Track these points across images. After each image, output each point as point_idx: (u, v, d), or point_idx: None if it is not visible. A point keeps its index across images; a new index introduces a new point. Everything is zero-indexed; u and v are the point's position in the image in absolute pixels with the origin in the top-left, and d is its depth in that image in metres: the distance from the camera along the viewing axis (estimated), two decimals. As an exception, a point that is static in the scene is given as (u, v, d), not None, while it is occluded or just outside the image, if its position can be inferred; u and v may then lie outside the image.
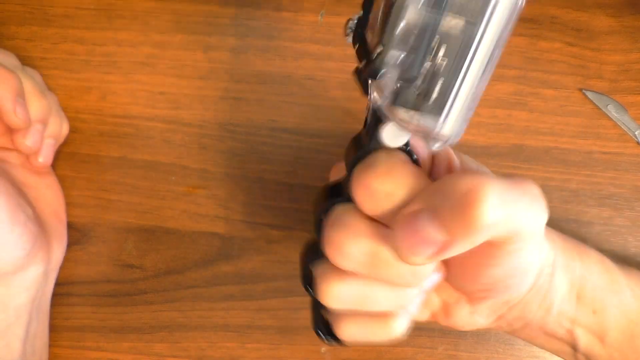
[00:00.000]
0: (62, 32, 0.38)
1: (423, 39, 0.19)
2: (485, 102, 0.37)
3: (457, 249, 0.21)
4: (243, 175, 0.38)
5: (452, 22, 0.18)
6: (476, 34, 0.18)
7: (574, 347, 0.29)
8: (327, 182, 0.28)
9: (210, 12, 0.37)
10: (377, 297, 0.24)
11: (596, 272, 0.30)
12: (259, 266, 0.37)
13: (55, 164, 0.37)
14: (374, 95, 0.22)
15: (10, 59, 0.33)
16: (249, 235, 0.37)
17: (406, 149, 0.24)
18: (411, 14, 0.18)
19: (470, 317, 0.29)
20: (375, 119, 0.23)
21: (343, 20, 0.38)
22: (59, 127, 0.34)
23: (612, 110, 0.37)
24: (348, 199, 0.24)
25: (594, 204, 0.37)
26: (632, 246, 0.37)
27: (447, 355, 0.37)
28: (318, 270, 0.25)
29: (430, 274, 0.24)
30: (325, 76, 0.37)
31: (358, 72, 0.23)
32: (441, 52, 0.19)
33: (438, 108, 0.20)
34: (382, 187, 0.22)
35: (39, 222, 0.33)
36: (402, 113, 0.20)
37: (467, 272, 0.26)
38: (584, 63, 0.37)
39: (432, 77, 0.19)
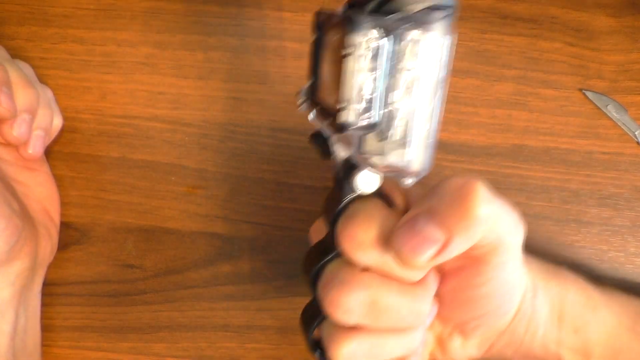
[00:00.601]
0: (61, 32, 0.38)
1: (376, 90, 0.21)
2: (485, 102, 0.37)
3: (457, 246, 0.22)
4: (243, 175, 0.38)
5: (397, 72, 0.21)
6: (421, 75, 0.21)
7: None
8: (312, 244, 0.29)
9: (210, 12, 0.37)
10: (386, 345, 0.25)
11: (572, 291, 0.30)
12: (259, 266, 0.37)
13: (54, 164, 0.37)
14: (341, 149, 0.24)
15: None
16: (249, 235, 0.37)
17: (380, 194, 0.25)
18: (362, 72, 0.21)
19: (463, 350, 0.29)
20: (345, 172, 0.25)
21: (343, 20, 0.38)
22: (49, 119, 0.34)
23: (612, 111, 0.37)
24: (335, 255, 0.25)
25: (594, 204, 0.37)
26: (632, 246, 0.37)
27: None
28: (324, 331, 0.26)
29: (427, 310, 0.25)
30: (325, 76, 0.37)
31: (315, 136, 0.26)
32: (394, 98, 0.21)
33: (403, 147, 0.22)
34: (367, 234, 0.23)
35: (25, 218, 0.33)
36: (372, 158, 0.22)
37: (459, 299, 0.27)
38: (584, 63, 0.37)
39: (391, 121, 0.22)
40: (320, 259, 0.26)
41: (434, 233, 0.22)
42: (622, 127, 0.37)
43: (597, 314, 0.30)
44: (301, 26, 0.37)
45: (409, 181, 0.23)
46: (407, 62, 0.21)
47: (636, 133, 0.37)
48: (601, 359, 0.30)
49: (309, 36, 0.38)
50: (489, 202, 0.22)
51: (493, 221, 0.23)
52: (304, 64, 0.37)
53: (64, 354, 0.37)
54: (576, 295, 0.30)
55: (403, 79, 0.21)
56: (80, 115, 0.38)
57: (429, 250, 0.22)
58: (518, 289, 0.27)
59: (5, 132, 0.31)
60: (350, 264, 0.24)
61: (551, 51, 0.37)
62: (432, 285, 0.25)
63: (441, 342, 0.29)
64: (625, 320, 0.30)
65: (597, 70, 0.37)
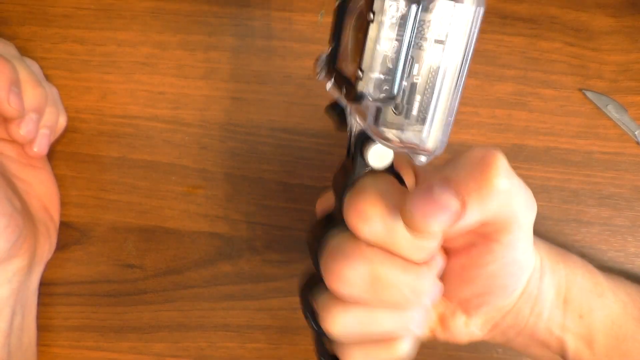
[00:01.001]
0: (62, 32, 0.38)
1: (398, 61, 0.20)
2: (485, 102, 0.37)
3: (470, 217, 0.21)
4: (243, 175, 0.38)
5: (422, 44, 0.20)
6: (445, 52, 0.20)
7: (564, 356, 0.30)
8: (319, 215, 0.28)
9: (210, 12, 0.38)
10: (381, 321, 0.25)
11: (580, 275, 0.30)
12: (259, 266, 0.37)
13: (54, 164, 0.37)
14: (356, 120, 0.23)
15: (8, 48, 0.33)
16: (249, 235, 0.37)
17: (391, 171, 0.25)
18: (385, 40, 0.20)
19: (466, 328, 0.29)
20: (358, 145, 0.24)
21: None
22: (55, 118, 0.34)
23: (612, 110, 0.37)
24: (342, 227, 0.25)
25: (594, 204, 0.37)
26: (632, 246, 0.37)
27: (447, 355, 0.37)
28: (320, 301, 0.26)
29: (429, 290, 0.25)
30: (325, 76, 0.37)
31: (332, 106, 0.25)
32: (415, 72, 0.20)
33: (420, 124, 0.21)
34: (375, 210, 0.23)
35: (26, 215, 0.33)
36: (387, 132, 0.21)
37: (465, 276, 0.27)
38: (584, 63, 0.37)
39: (410, 95, 0.21)
40: (325, 231, 0.25)
41: (449, 200, 0.21)
42: (622, 127, 0.37)
43: (603, 301, 0.30)
44: (302, 26, 0.37)
45: (422, 159, 0.22)
46: (434, 34, 0.20)
47: (636, 133, 0.37)
48: (604, 346, 0.29)
49: (310, 36, 0.38)
50: (508, 176, 0.22)
51: (509, 196, 0.22)
52: (304, 63, 0.38)
53: (64, 353, 0.37)
54: (584, 280, 0.30)
55: (428, 51, 0.20)
56: (80, 115, 0.38)
57: (442, 218, 0.21)
58: (526, 269, 0.27)
59: (12, 131, 0.31)
60: (355, 237, 0.24)
61: (551, 51, 0.37)
62: (437, 265, 0.25)
63: (443, 320, 0.29)
64: (631, 308, 0.30)
65: (597, 70, 0.37)
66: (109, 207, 0.38)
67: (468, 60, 0.21)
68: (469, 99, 0.37)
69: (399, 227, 0.23)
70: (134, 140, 0.38)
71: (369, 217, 0.23)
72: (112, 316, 0.37)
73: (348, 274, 0.23)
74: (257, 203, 0.37)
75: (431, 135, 0.21)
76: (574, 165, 0.37)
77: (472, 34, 0.20)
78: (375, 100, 0.20)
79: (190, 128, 0.38)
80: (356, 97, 0.21)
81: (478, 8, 0.20)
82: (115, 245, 0.38)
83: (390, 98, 0.20)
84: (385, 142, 0.22)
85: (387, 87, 0.20)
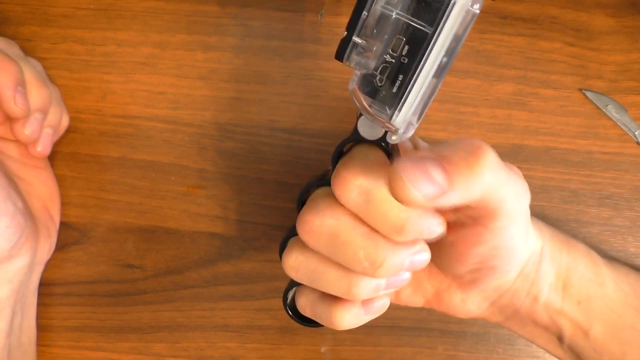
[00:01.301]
0: (62, 32, 0.38)
1: (383, 32, 0.21)
2: (485, 102, 0.37)
3: (452, 198, 0.22)
4: (243, 175, 0.38)
5: (412, 24, 0.21)
6: (432, 39, 0.21)
7: (560, 339, 0.30)
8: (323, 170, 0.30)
9: (210, 12, 0.37)
10: (329, 277, 0.26)
11: (582, 263, 0.31)
12: (259, 266, 0.37)
13: (55, 164, 0.37)
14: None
15: (13, 48, 0.33)
16: (249, 235, 0.37)
17: (385, 148, 0.26)
18: (373, 8, 0.21)
19: (463, 304, 0.30)
20: (358, 115, 0.26)
21: (343, 20, 0.38)
22: (58, 118, 0.35)
23: (612, 110, 0.37)
24: (330, 185, 0.26)
25: (594, 204, 0.37)
26: (632, 246, 0.37)
27: (447, 355, 0.37)
28: (290, 241, 0.28)
29: (388, 266, 0.25)
30: (325, 76, 0.37)
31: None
32: (404, 52, 0.21)
33: (394, 100, 0.22)
34: (355, 181, 0.24)
35: (27, 215, 0.33)
36: (363, 98, 0.23)
37: (454, 253, 0.27)
38: (584, 63, 0.37)
39: (392, 72, 0.22)
40: (318, 184, 0.28)
41: (437, 175, 0.22)
42: (622, 127, 0.37)
43: (604, 290, 0.30)
44: (301, 26, 0.37)
45: (393, 137, 0.23)
46: (427, 18, 0.21)
47: (636, 133, 0.37)
48: (601, 334, 0.30)
49: (310, 36, 0.38)
50: (493, 169, 0.23)
51: (494, 186, 0.23)
52: (304, 64, 0.38)
53: (64, 354, 0.37)
54: (586, 268, 0.31)
55: (419, 35, 0.21)
56: (80, 115, 0.38)
57: (427, 188, 0.21)
58: (518, 254, 0.28)
59: (17, 131, 0.32)
60: (334, 197, 0.25)
61: (551, 51, 0.37)
62: (407, 251, 0.25)
63: (438, 294, 0.30)
64: (631, 299, 0.31)
65: (597, 70, 0.37)
66: (109, 207, 0.38)
67: (454, 55, 0.21)
68: (469, 99, 0.37)
69: (374, 199, 0.24)
70: (134, 140, 0.38)
71: (348, 185, 0.24)
72: (112, 316, 0.37)
73: (314, 224, 0.25)
74: (257, 203, 0.37)
75: (401, 114, 0.22)
76: (574, 165, 0.37)
77: (465, 28, 0.21)
78: (358, 65, 0.22)
79: (190, 128, 0.38)
80: (336, 54, 0.22)
81: (475, 4, 0.20)
82: (115, 245, 0.38)
83: (371, 67, 0.22)
84: (361, 107, 0.23)
85: (369, 56, 0.22)
